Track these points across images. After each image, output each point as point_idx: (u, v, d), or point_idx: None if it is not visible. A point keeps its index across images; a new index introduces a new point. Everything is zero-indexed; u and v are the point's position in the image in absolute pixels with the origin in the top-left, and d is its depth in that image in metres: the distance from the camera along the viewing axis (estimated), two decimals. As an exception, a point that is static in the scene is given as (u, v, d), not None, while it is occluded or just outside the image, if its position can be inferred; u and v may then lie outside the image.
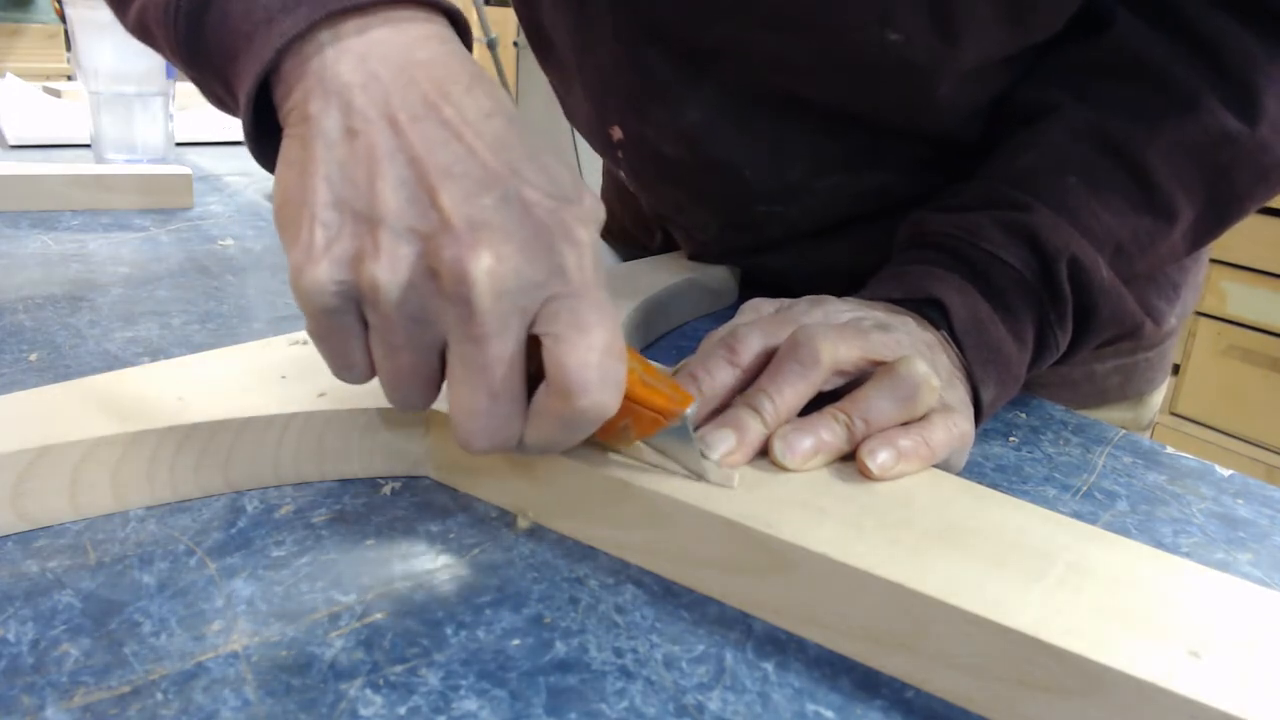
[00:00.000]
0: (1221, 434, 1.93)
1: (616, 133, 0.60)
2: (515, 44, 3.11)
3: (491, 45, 2.85)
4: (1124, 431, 0.51)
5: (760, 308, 0.45)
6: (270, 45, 0.32)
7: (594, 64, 0.58)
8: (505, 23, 3.07)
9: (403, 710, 0.27)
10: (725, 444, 0.36)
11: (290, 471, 0.39)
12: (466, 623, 0.31)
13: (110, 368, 0.44)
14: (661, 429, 0.34)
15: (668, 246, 0.74)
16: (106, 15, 0.87)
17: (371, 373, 0.34)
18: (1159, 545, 0.39)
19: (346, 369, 0.33)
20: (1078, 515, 0.41)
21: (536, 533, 0.37)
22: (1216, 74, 0.47)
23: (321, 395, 0.39)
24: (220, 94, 0.38)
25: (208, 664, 0.29)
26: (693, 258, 0.68)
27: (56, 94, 1.37)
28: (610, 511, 0.35)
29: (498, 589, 0.33)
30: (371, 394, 0.39)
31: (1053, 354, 0.48)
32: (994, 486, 0.38)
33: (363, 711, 0.27)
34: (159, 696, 0.27)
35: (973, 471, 0.44)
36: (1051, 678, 0.27)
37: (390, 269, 0.30)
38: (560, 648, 0.30)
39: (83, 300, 0.58)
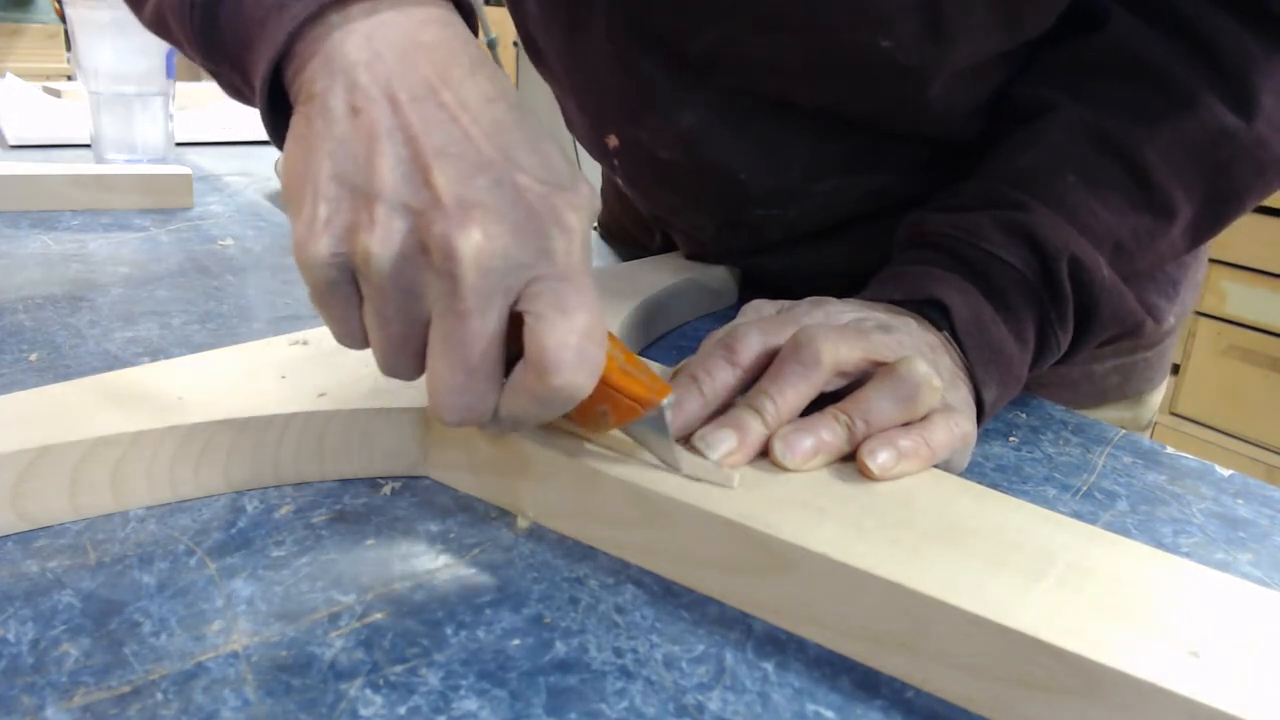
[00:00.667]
0: (1221, 434, 1.93)
1: (613, 140, 0.60)
2: (515, 44, 3.11)
3: (491, 45, 2.85)
4: (1124, 431, 0.51)
5: (761, 309, 0.45)
6: (283, 29, 0.33)
7: (587, 71, 0.58)
8: (505, 23, 3.06)
9: (403, 710, 0.27)
10: (726, 444, 0.36)
11: (290, 471, 0.39)
12: (466, 623, 0.31)
13: (110, 368, 0.44)
14: (638, 418, 0.34)
15: (667, 247, 0.74)
16: (107, 15, 0.87)
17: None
18: (1159, 545, 0.39)
19: (348, 336, 0.34)
20: (1078, 515, 0.41)
21: (536, 533, 0.37)
22: (1214, 72, 0.47)
23: (321, 395, 0.39)
24: (237, 83, 0.39)
25: (208, 664, 0.29)
26: (691, 258, 0.68)
27: (56, 94, 1.37)
28: (610, 511, 0.35)
29: (498, 589, 0.33)
30: (371, 394, 0.40)
31: (1054, 353, 0.48)
32: (994, 486, 0.38)
33: (363, 711, 0.27)
34: (159, 696, 0.27)
35: (973, 471, 0.44)
36: (1051, 677, 0.27)
37: (383, 242, 0.31)
38: (560, 648, 0.30)
39: (83, 300, 0.58)
